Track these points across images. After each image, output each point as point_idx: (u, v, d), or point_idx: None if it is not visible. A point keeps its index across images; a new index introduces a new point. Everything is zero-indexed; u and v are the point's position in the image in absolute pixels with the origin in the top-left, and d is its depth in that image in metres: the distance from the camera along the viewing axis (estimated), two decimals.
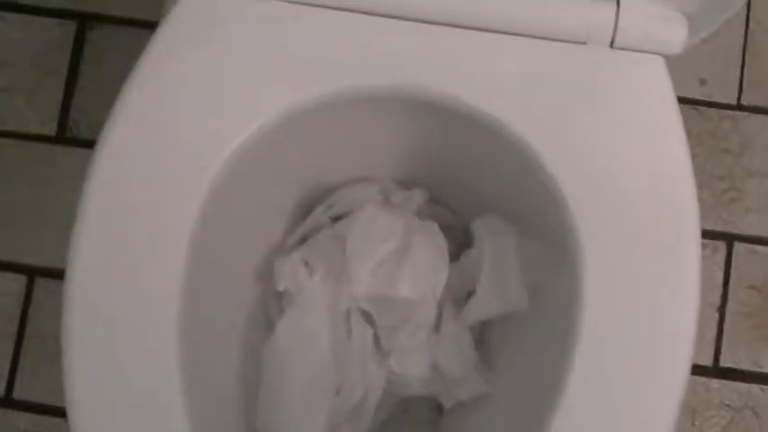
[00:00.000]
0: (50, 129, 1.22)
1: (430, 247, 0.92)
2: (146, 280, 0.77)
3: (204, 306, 0.82)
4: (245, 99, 0.80)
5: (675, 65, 1.19)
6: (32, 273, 1.20)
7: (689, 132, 1.19)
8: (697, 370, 1.18)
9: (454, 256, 0.95)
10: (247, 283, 0.93)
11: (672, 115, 0.82)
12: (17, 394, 1.18)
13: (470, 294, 0.92)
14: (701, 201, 1.16)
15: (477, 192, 0.96)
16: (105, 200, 0.79)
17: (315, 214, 0.95)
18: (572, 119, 0.81)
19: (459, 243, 0.97)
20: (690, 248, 0.80)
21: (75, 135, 1.21)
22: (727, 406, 1.18)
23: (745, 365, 1.18)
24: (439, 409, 0.99)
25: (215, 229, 0.81)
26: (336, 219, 0.95)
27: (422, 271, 0.92)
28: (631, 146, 0.82)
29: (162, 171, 0.79)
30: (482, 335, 0.97)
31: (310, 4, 0.82)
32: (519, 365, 0.92)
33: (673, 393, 0.79)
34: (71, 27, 1.22)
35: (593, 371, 0.77)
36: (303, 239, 0.94)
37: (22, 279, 1.20)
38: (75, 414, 0.75)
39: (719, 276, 1.20)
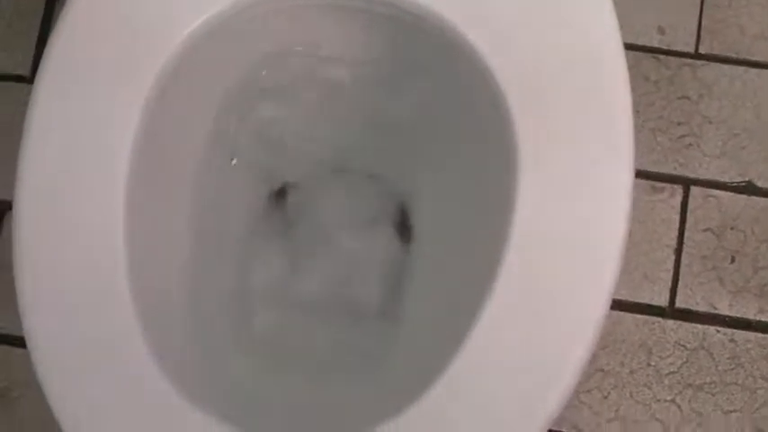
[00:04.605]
0: (24, 69, 1.25)
1: None
2: (93, 164, 0.80)
3: (149, 214, 0.84)
4: None
5: (634, 13, 1.22)
6: (1, 207, 1.23)
7: (647, 79, 1.23)
8: (653, 310, 1.19)
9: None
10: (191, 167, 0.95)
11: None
12: None
13: None
14: (659, 145, 1.19)
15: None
16: (57, 93, 0.81)
17: None
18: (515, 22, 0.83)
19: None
20: (622, 125, 0.80)
21: None
22: (683, 346, 1.19)
23: (701, 307, 1.19)
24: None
25: (161, 132, 0.83)
26: None
27: None
28: (561, 30, 0.82)
29: (115, 54, 0.82)
30: None
31: None
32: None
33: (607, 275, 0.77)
34: None
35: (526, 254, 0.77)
36: None
37: None
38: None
39: (676, 219, 1.21)
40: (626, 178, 0.79)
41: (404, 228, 1.01)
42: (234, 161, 0.97)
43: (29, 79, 1.25)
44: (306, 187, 1.02)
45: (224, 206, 0.96)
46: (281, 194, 1.02)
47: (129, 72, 0.82)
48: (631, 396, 1.17)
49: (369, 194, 1.02)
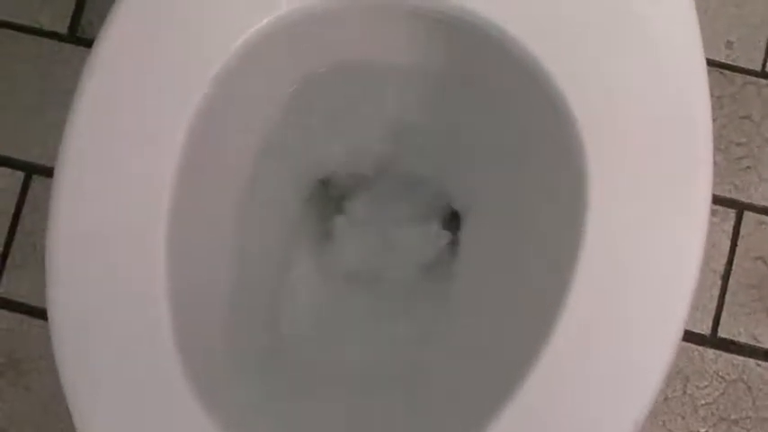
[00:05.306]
0: (62, 26, 1.20)
1: None
2: (138, 172, 0.76)
3: (195, 201, 0.80)
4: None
5: (703, 24, 1.15)
6: (30, 170, 1.18)
7: (710, 95, 1.16)
8: (694, 338, 1.15)
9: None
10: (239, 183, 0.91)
11: (695, 51, 0.78)
12: (1, 292, 1.16)
13: None
14: (715, 164, 1.13)
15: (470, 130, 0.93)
16: (103, 86, 0.77)
17: None
18: (586, 37, 0.78)
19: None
20: (699, 190, 0.76)
21: (86, 35, 1.20)
22: (721, 377, 1.14)
23: (743, 338, 1.15)
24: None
25: (215, 123, 0.79)
26: None
27: None
28: (647, 75, 0.78)
29: (168, 58, 0.77)
30: None
31: None
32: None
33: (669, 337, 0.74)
34: None
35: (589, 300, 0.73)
36: None
37: (19, 175, 1.18)
38: (54, 313, 0.74)
39: (726, 244, 1.16)
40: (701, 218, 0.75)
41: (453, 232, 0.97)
42: (278, 156, 0.92)
43: (65, 37, 1.20)
44: (352, 185, 0.98)
45: (265, 200, 0.92)
46: (325, 194, 0.98)
47: (186, 69, 0.78)
48: (664, 425, 1.13)
49: (417, 195, 0.98)
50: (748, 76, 1.19)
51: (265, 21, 0.79)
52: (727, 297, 1.15)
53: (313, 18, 0.80)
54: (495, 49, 0.79)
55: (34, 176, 1.18)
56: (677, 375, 1.13)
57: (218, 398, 0.74)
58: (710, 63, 1.16)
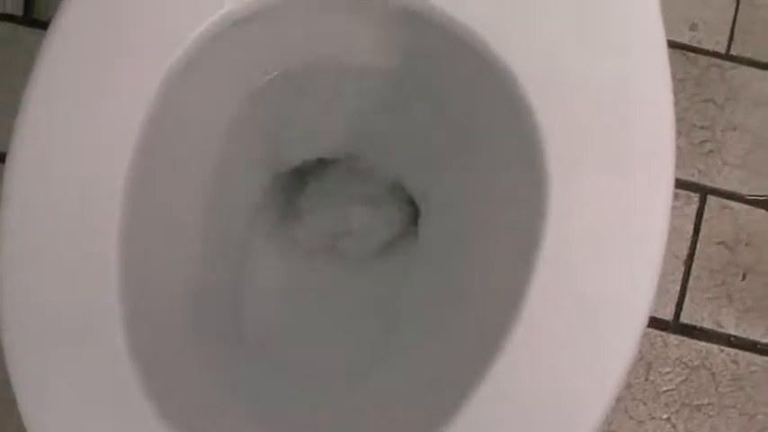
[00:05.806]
0: (17, 8, 1.19)
1: None
2: (92, 161, 0.74)
3: (153, 190, 0.78)
4: None
5: (667, 5, 1.14)
6: None
7: (673, 77, 1.15)
8: (657, 324, 1.13)
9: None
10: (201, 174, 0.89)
11: (656, 34, 0.77)
12: None
13: None
14: (678, 148, 1.12)
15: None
16: (58, 70, 0.75)
17: None
18: (543, 24, 0.76)
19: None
20: (661, 187, 0.75)
21: (41, 17, 1.18)
22: (684, 364, 1.13)
23: (707, 324, 1.14)
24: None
25: (173, 111, 0.77)
26: None
27: None
28: (608, 67, 0.76)
29: (122, 49, 0.75)
30: None
31: None
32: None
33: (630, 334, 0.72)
34: None
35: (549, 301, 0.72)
36: None
37: None
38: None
39: (689, 229, 1.15)
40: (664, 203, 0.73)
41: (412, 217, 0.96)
42: (240, 142, 0.91)
43: (20, 19, 1.18)
44: (313, 171, 0.97)
45: (227, 182, 0.90)
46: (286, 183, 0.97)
47: (143, 55, 0.75)
48: (626, 411, 1.11)
49: (377, 184, 0.97)
50: (713, 59, 1.18)
51: (225, 8, 0.77)
52: (690, 282, 1.14)
53: (270, 14, 0.79)
54: (452, 43, 0.77)
55: None
56: (640, 362, 1.12)
57: (171, 390, 0.73)
58: (674, 45, 1.16)
